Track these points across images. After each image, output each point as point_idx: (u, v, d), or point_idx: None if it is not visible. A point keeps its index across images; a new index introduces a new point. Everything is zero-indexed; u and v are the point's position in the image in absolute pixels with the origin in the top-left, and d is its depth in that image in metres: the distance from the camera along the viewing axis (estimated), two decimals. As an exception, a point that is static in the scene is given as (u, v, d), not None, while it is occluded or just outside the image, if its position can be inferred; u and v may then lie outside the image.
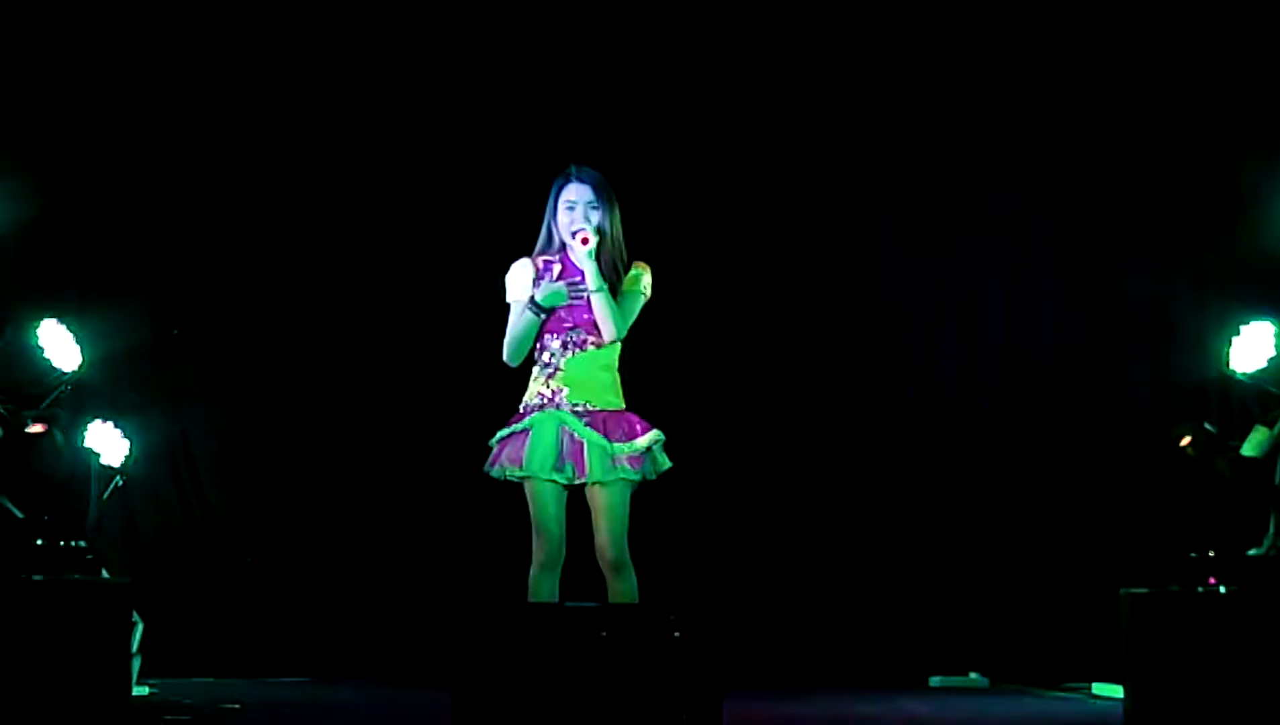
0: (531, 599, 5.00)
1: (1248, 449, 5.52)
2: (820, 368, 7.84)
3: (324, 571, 7.69)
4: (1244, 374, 5.91)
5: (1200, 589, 4.97)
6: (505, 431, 5.15)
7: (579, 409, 5.06)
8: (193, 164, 7.68)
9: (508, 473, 5.10)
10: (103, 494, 6.44)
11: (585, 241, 5.04)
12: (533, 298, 5.10)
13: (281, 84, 7.74)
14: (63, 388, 6.39)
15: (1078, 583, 7.38)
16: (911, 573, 7.71)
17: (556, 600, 5.02)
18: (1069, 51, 7.59)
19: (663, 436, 5.13)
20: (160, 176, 7.66)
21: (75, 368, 6.43)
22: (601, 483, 5.02)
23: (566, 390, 5.08)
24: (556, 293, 5.09)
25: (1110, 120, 7.56)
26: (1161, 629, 4.90)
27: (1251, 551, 5.18)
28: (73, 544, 5.74)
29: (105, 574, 5.78)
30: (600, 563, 5.05)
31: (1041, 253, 7.79)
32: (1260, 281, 6.67)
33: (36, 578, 5.28)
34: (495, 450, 5.16)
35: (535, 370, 5.16)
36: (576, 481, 5.03)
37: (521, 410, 5.14)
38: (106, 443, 6.62)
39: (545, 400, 5.09)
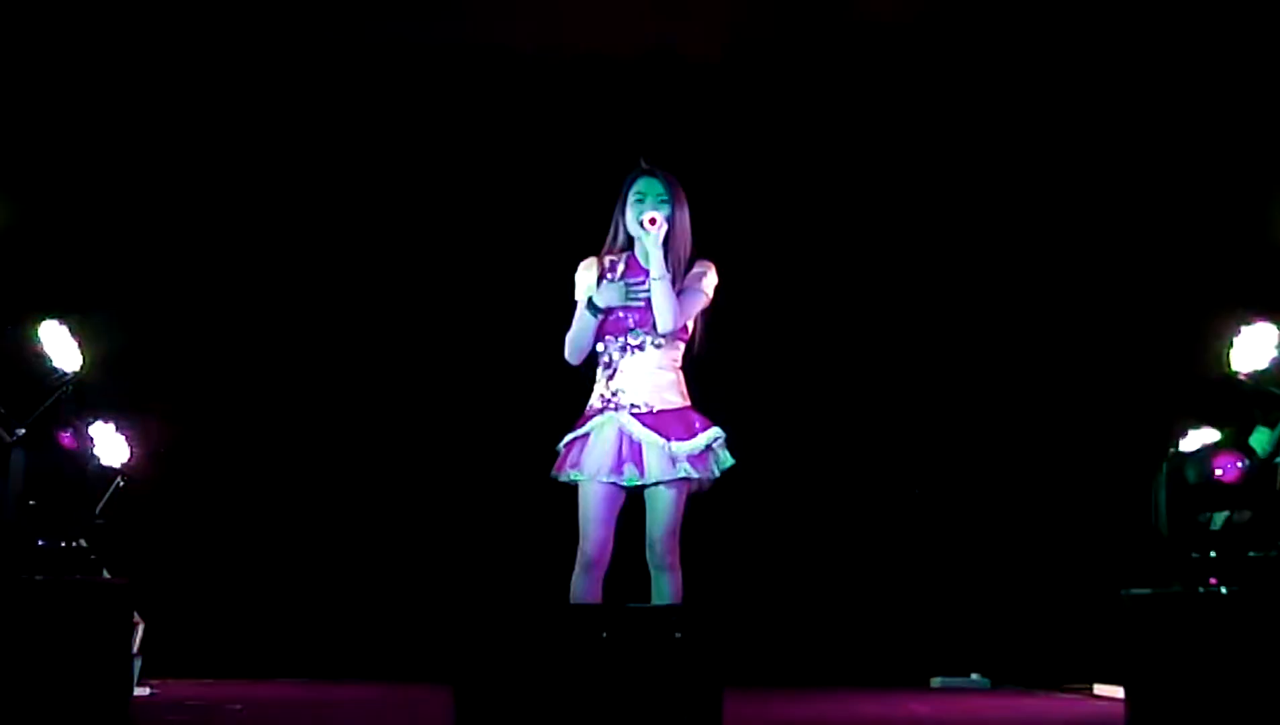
0: (573, 601, 4.97)
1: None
2: (821, 370, 7.84)
3: (324, 571, 7.69)
4: (1245, 375, 5.90)
5: (1201, 590, 4.97)
6: (570, 436, 5.10)
7: (638, 410, 5.03)
8: (200, 158, 7.68)
9: (572, 476, 5.06)
10: (103, 495, 6.43)
11: (654, 221, 4.98)
12: (590, 299, 5.06)
13: (291, 78, 7.73)
14: (64, 388, 6.39)
15: (1079, 584, 7.37)
16: (913, 574, 7.71)
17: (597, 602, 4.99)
18: (1075, 50, 7.59)
19: (722, 434, 5.09)
20: (171, 172, 7.67)
21: (76, 368, 6.42)
22: (663, 482, 4.99)
23: (625, 391, 5.04)
24: (614, 292, 5.05)
25: (1114, 121, 7.56)
26: (1162, 630, 4.89)
27: (1252, 552, 5.17)
28: (74, 544, 5.74)
29: (106, 574, 5.78)
30: (649, 561, 5.02)
31: (1043, 253, 7.79)
32: (1261, 281, 6.65)
33: (38, 578, 5.29)
34: (561, 455, 5.12)
35: (598, 372, 5.12)
36: (638, 483, 4.99)
37: (585, 413, 5.11)
38: (107, 443, 6.60)
39: (605, 402, 5.05)
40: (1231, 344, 5.92)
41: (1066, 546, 7.54)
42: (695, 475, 5.01)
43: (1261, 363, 5.87)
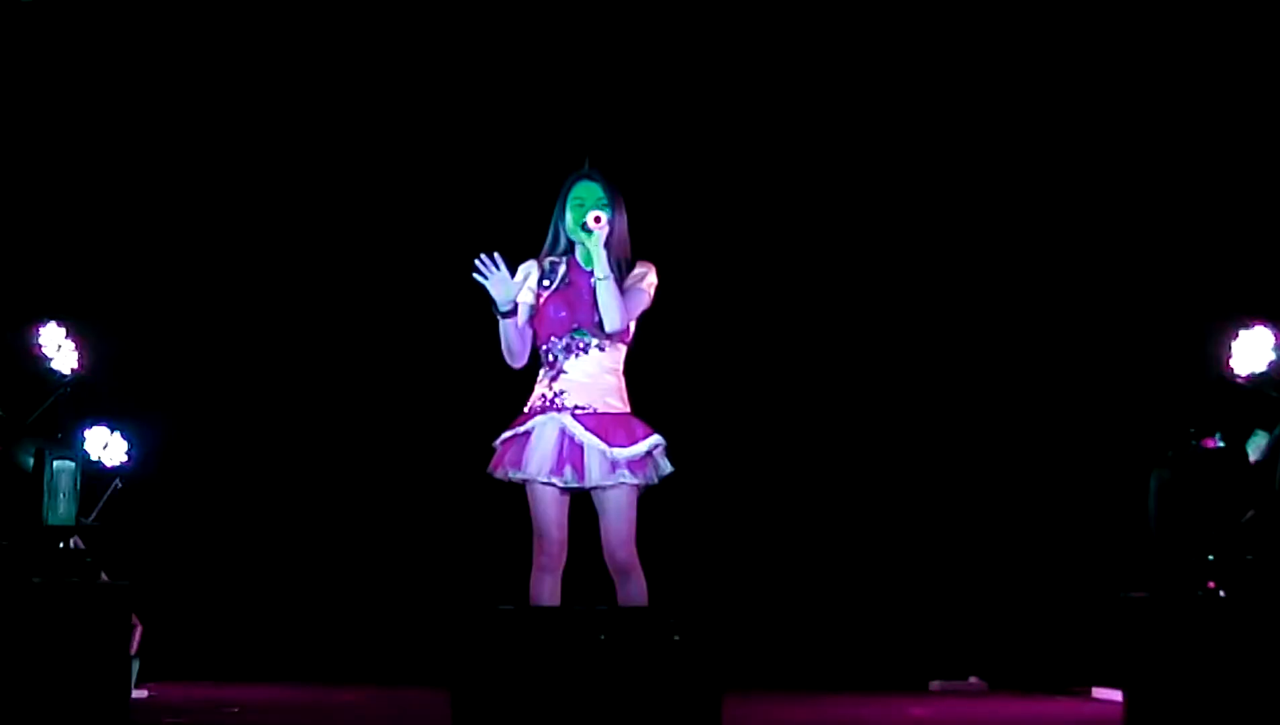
0: (532, 602, 4.98)
1: (1247, 453, 5.51)
2: (820, 371, 7.84)
3: (322, 574, 7.69)
4: (1243, 378, 5.90)
5: (1199, 593, 4.97)
6: (508, 433, 5.11)
7: (580, 412, 5.03)
8: (188, 163, 7.68)
9: (510, 475, 5.06)
10: (101, 497, 6.43)
11: (598, 220, 4.97)
12: (492, 301, 5.08)
13: (276, 87, 7.75)
14: (62, 390, 6.39)
15: (1077, 587, 7.37)
16: (912, 577, 7.71)
17: (557, 603, 4.99)
18: (1076, 51, 7.59)
19: (663, 441, 5.09)
20: (156, 176, 7.67)
21: (74, 370, 6.43)
22: (602, 486, 4.99)
23: (568, 392, 5.04)
24: (504, 288, 5.05)
25: (1115, 121, 7.56)
26: (1160, 633, 4.89)
27: (1250, 556, 5.17)
28: (72, 547, 5.74)
29: (104, 577, 5.78)
30: (609, 566, 5.02)
31: (1043, 253, 7.78)
32: (1259, 285, 6.66)
33: (36, 580, 5.29)
34: (498, 452, 5.12)
35: (540, 372, 5.12)
36: (574, 485, 5.00)
37: (526, 411, 5.11)
38: (105, 445, 6.60)
39: (547, 402, 5.05)
40: (1230, 348, 5.93)
41: (1065, 549, 7.53)
42: (634, 481, 5.00)
43: (1259, 366, 5.88)
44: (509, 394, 7.49)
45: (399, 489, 7.75)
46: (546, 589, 4.98)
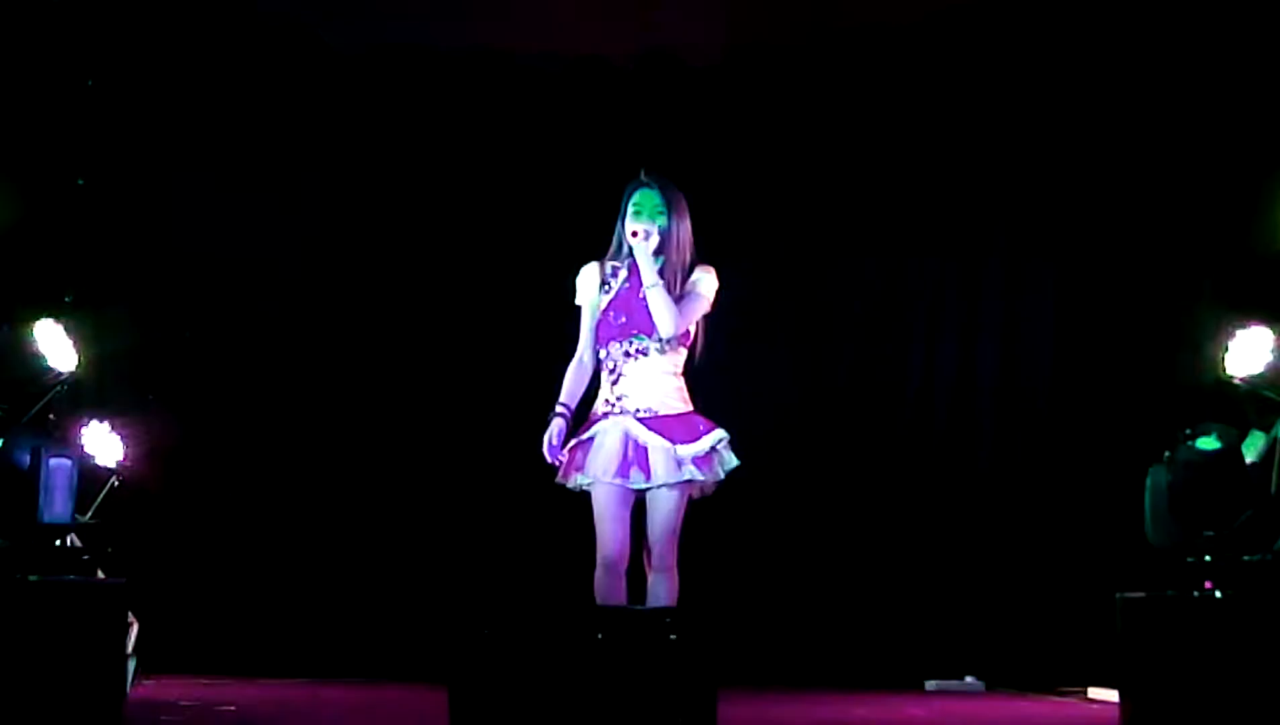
0: (597, 601, 5.00)
1: (1244, 454, 5.51)
2: (817, 372, 7.84)
3: (320, 570, 7.68)
4: (1240, 379, 5.91)
5: (1196, 593, 4.98)
6: (572, 442, 5.14)
7: (642, 414, 5.06)
8: (190, 154, 7.67)
9: (579, 481, 5.10)
10: (98, 494, 6.42)
11: (635, 235, 5.04)
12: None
13: (293, 80, 7.75)
14: (59, 387, 6.39)
15: (1074, 586, 7.37)
16: (908, 576, 7.71)
17: (623, 602, 5.02)
18: (1070, 56, 7.60)
19: (726, 435, 5.12)
20: (155, 169, 7.66)
21: (72, 367, 6.42)
22: (668, 484, 5.02)
23: (629, 396, 5.08)
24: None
25: (1110, 125, 7.57)
26: (1157, 633, 4.90)
27: (1247, 556, 5.17)
28: (68, 544, 5.74)
29: (100, 574, 5.78)
30: (646, 563, 5.05)
31: (1040, 256, 7.79)
32: (1257, 287, 6.66)
33: (33, 578, 5.29)
34: (565, 461, 5.15)
35: (602, 376, 5.18)
36: (641, 485, 5.02)
37: (590, 417, 5.16)
38: (102, 443, 6.60)
39: (610, 407, 5.10)
40: (1227, 348, 5.94)
41: (1061, 549, 7.54)
42: (700, 477, 5.04)
43: (1256, 367, 5.89)
44: (504, 391, 7.52)
45: (395, 485, 7.74)
46: (610, 588, 5.01)
